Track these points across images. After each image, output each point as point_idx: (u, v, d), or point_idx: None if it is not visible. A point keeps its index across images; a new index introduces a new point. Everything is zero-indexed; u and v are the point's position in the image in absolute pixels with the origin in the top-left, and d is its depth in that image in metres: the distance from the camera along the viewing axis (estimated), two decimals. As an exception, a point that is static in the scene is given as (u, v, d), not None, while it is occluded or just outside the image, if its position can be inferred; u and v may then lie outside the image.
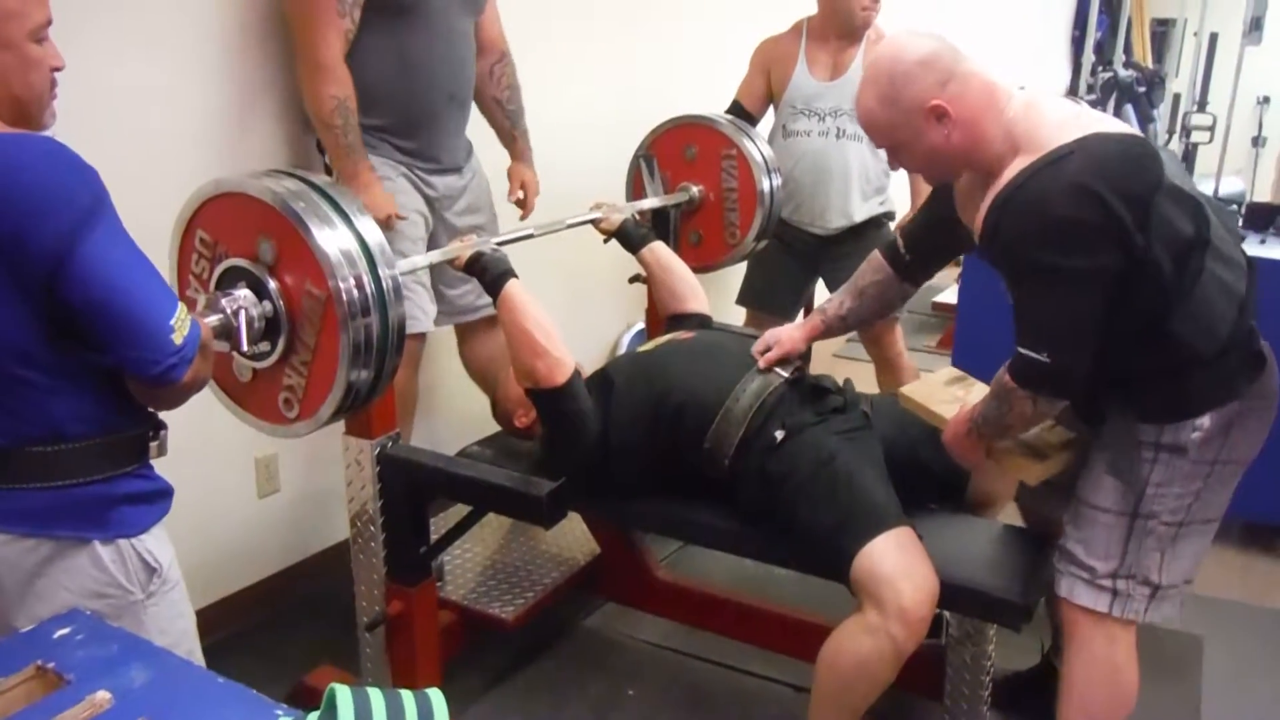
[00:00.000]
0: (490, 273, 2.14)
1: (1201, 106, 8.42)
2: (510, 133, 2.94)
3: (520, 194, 2.92)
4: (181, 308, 1.41)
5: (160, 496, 1.54)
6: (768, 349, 2.23)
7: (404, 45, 2.50)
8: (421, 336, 2.66)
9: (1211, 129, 8.07)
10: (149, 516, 1.52)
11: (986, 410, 1.87)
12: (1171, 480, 1.80)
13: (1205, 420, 1.77)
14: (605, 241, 2.74)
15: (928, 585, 1.86)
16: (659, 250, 2.68)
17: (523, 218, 2.89)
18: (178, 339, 1.38)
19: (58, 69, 1.42)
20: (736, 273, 3.65)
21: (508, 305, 2.12)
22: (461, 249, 2.18)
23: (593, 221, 2.67)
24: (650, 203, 2.97)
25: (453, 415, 3.27)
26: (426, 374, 2.94)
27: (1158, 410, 1.79)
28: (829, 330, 2.29)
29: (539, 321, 2.11)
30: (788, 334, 2.24)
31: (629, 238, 2.69)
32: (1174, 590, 1.86)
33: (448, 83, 2.62)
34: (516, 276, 2.15)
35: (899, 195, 3.56)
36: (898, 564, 1.86)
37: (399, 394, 2.38)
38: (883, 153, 3.35)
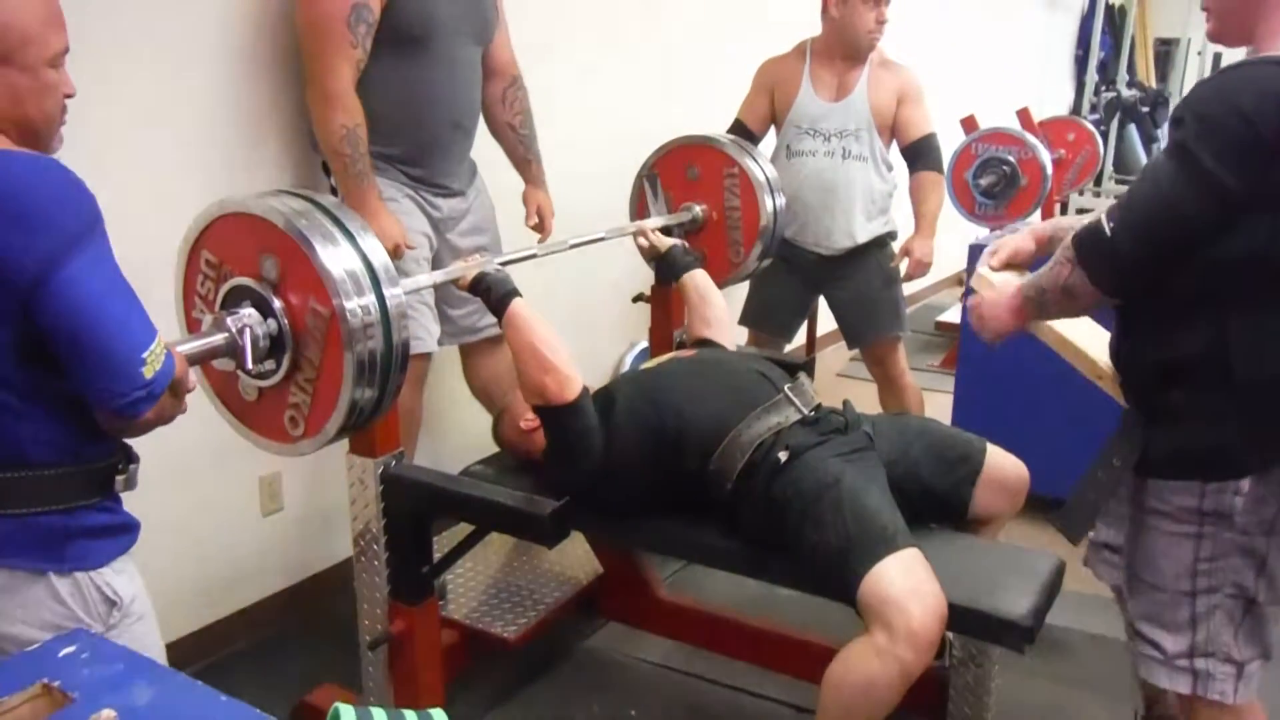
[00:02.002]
0: (495, 293, 2.14)
1: (1204, 127, 8.43)
2: (524, 158, 2.95)
3: (536, 219, 2.94)
4: (158, 342, 1.39)
5: (123, 530, 1.51)
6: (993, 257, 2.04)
7: (412, 75, 2.52)
8: (426, 356, 2.67)
9: (1214, 149, 8.05)
10: (109, 550, 1.48)
11: (1040, 269, 1.75)
12: (1226, 553, 1.63)
13: (1245, 484, 1.59)
14: (650, 262, 2.81)
15: (936, 607, 1.85)
16: (700, 278, 2.69)
17: (541, 241, 2.90)
18: (148, 373, 1.37)
19: (69, 96, 1.44)
20: (739, 292, 3.66)
21: (514, 324, 2.12)
22: (465, 269, 2.18)
23: (638, 243, 2.76)
24: (654, 222, 2.98)
25: (456, 434, 3.28)
26: (430, 394, 2.95)
27: (1187, 461, 1.64)
28: (1057, 238, 1.94)
29: (546, 339, 2.11)
30: (1014, 235, 2.05)
31: (674, 265, 2.72)
32: (1256, 663, 1.70)
33: (454, 111, 2.65)
34: (521, 295, 2.15)
35: (901, 216, 3.57)
36: (906, 586, 1.85)
37: (403, 414, 2.38)
38: (886, 173, 3.43)
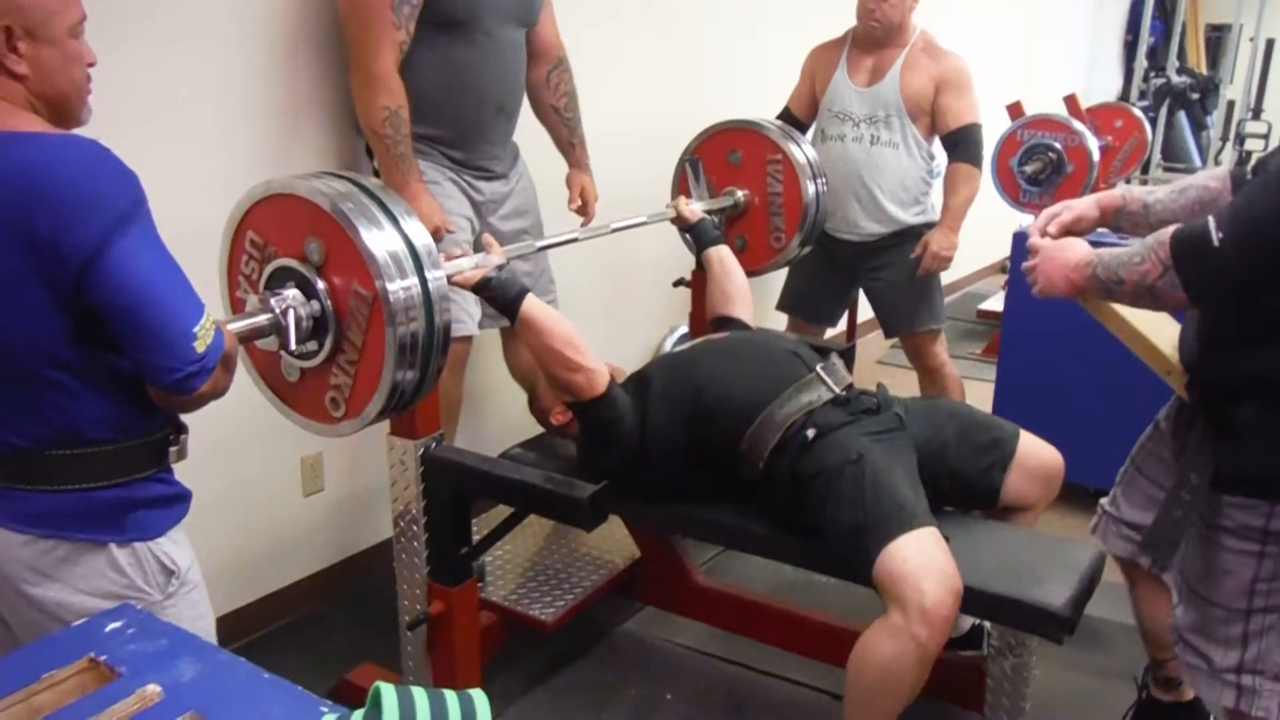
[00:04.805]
0: (503, 297, 2.09)
1: (1256, 114, 8.30)
2: (568, 140, 2.95)
3: (579, 202, 2.94)
4: (207, 317, 1.41)
5: (178, 500, 1.55)
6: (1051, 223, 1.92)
7: (455, 58, 2.53)
8: (467, 340, 2.68)
9: (1266, 136, 7.95)
10: (166, 520, 1.52)
11: (1120, 252, 1.64)
12: None
13: None
14: (682, 230, 2.87)
15: (949, 583, 1.84)
16: (725, 252, 2.75)
17: (584, 224, 2.90)
18: (200, 347, 1.39)
19: (92, 65, 1.46)
20: (779, 278, 3.65)
21: (529, 326, 2.10)
22: (469, 275, 2.08)
23: (675, 210, 2.80)
24: (695, 207, 2.97)
25: (496, 417, 3.29)
26: (471, 377, 2.96)
27: (1257, 480, 1.60)
28: (1125, 209, 1.91)
29: (566, 337, 2.10)
30: (1080, 201, 1.95)
31: (704, 234, 2.78)
32: None
33: (497, 95, 2.65)
34: (529, 292, 2.13)
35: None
36: (919, 564, 1.84)
37: (443, 397, 2.38)
38: (923, 161, 3.38)
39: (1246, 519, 1.61)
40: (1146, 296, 1.61)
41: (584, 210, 2.95)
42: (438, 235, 2.45)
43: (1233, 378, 1.61)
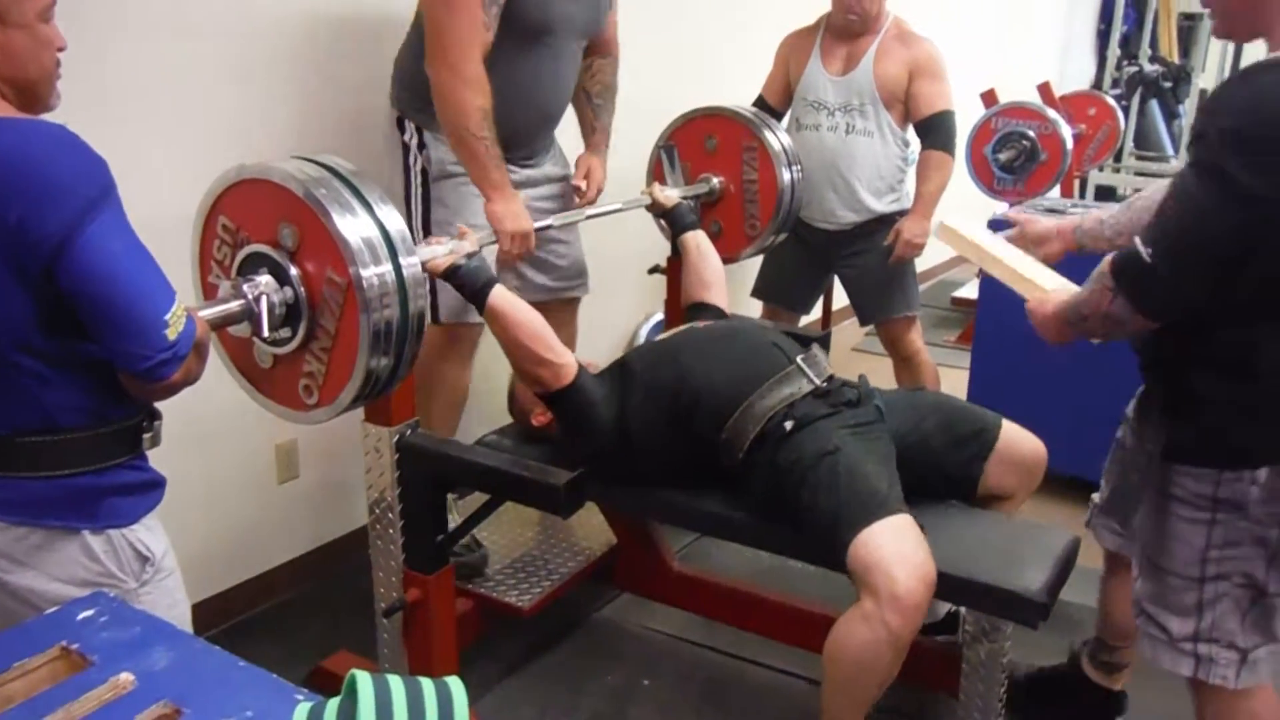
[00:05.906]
0: (470, 286, 2.10)
1: (1227, 103, 8.32)
2: (591, 125, 2.93)
3: (583, 182, 2.88)
4: (178, 304, 1.40)
5: (151, 487, 1.54)
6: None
7: (517, 67, 2.49)
8: (478, 326, 2.60)
9: (1237, 125, 7.96)
10: (140, 507, 1.52)
11: (1077, 292, 1.72)
12: (1237, 541, 1.64)
13: (1262, 474, 1.60)
14: (657, 217, 2.86)
15: (921, 570, 1.85)
16: (701, 238, 2.74)
17: (581, 204, 2.88)
18: (171, 334, 1.38)
19: (62, 49, 1.45)
20: (752, 265, 3.65)
21: (496, 317, 2.10)
22: (438, 262, 2.08)
23: (651, 197, 2.79)
24: (670, 193, 2.96)
25: (472, 404, 3.28)
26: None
27: (1207, 448, 1.65)
28: (1081, 230, 2.06)
29: (532, 330, 2.12)
30: (1042, 223, 2.10)
31: (681, 219, 2.77)
32: (1263, 650, 1.70)
33: (550, 106, 2.66)
34: (499, 282, 2.12)
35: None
36: (890, 551, 1.85)
37: (450, 387, 2.35)
38: (899, 149, 3.39)
39: (1197, 487, 1.66)
40: (1112, 325, 1.66)
41: (585, 189, 2.89)
42: (525, 244, 2.41)
43: (1182, 356, 1.66)
